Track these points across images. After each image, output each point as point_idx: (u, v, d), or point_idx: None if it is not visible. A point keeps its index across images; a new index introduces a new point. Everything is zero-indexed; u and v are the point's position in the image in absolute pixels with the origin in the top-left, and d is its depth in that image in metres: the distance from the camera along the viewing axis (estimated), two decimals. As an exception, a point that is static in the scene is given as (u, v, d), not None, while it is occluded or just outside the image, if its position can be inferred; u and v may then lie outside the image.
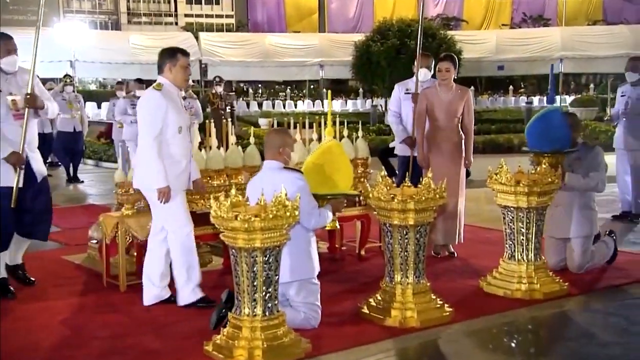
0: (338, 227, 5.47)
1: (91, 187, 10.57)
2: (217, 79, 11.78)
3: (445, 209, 5.47)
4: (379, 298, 4.22)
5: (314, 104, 27.32)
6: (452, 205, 5.61)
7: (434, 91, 5.75)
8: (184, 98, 9.88)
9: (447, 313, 4.18)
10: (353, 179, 4.35)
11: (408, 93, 6.26)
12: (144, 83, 10.31)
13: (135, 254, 5.07)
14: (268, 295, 3.57)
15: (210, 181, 5.03)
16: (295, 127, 5.68)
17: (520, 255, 4.69)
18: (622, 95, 7.32)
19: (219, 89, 11.47)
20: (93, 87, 34.56)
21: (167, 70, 4.38)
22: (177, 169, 4.35)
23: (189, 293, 4.41)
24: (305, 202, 3.83)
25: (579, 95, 26.50)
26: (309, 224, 3.93)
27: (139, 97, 9.86)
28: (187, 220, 4.41)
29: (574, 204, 5.15)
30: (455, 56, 5.96)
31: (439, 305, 4.19)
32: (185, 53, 4.47)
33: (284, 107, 28.23)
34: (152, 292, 4.47)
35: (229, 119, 5.90)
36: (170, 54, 4.42)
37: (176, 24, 48.88)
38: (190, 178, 4.49)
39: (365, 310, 4.23)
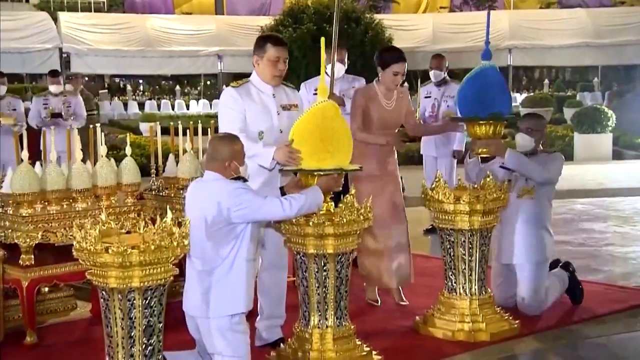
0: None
1: None
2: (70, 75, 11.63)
3: (391, 241, 5.43)
4: (293, 346, 4.24)
5: (211, 105, 27.19)
6: (402, 234, 5.53)
7: (373, 93, 5.51)
8: (60, 94, 9.69)
9: (376, 362, 4.25)
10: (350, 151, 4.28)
11: None
12: (59, 76, 10.12)
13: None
14: (150, 348, 3.52)
15: (73, 204, 4.92)
16: (185, 134, 5.65)
17: (462, 288, 4.84)
18: (426, 97, 8.12)
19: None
20: None
21: (255, 64, 4.56)
22: (256, 181, 4.36)
23: None
24: (246, 200, 3.83)
25: (532, 93, 27.68)
26: (270, 214, 3.94)
27: (55, 95, 9.82)
28: None
29: (524, 221, 5.24)
30: None
31: (365, 353, 4.24)
32: (278, 42, 4.55)
33: (173, 109, 27.93)
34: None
35: (97, 125, 5.77)
36: (259, 44, 4.55)
37: (27, 1, 47.36)
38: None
39: (275, 362, 4.26)
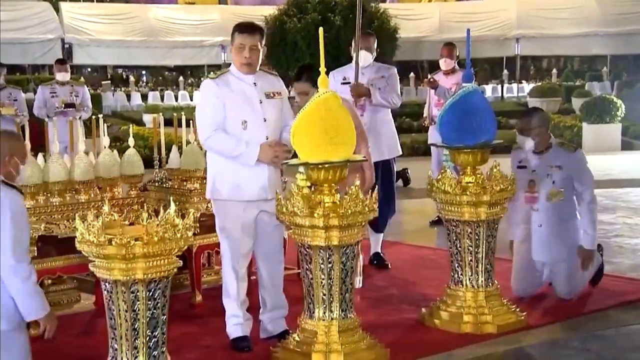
0: None
1: None
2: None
3: None
4: (297, 339, 4.25)
5: (214, 95, 27.16)
6: None
7: None
8: (67, 83, 9.65)
9: (381, 354, 4.26)
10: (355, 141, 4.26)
11: (346, 83, 6.24)
12: (66, 64, 10.12)
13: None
14: (154, 340, 3.54)
15: (75, 196, 4.94)
16: (189, 126, 5.65)
17: (469, 280, 4.85)
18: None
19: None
20: None
21: (230, 52, 4.57)
22: (241, 175, 4.39)
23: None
24: (8, 236, 3.36)
25: (539, 83, 27.58)
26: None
27: (63, 84, 9.77)
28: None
29: (560, 220, 5.29)
30: None
31: (370, 345, 4.25)
32: (243, 29, 4.51)
33: (177, 100, 27.92)
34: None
35: (100, 116, 5.78)
36: (232, 32, 4.55)
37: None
38: (268, 187, 4.45)
39: (280, 354, 4.26)
